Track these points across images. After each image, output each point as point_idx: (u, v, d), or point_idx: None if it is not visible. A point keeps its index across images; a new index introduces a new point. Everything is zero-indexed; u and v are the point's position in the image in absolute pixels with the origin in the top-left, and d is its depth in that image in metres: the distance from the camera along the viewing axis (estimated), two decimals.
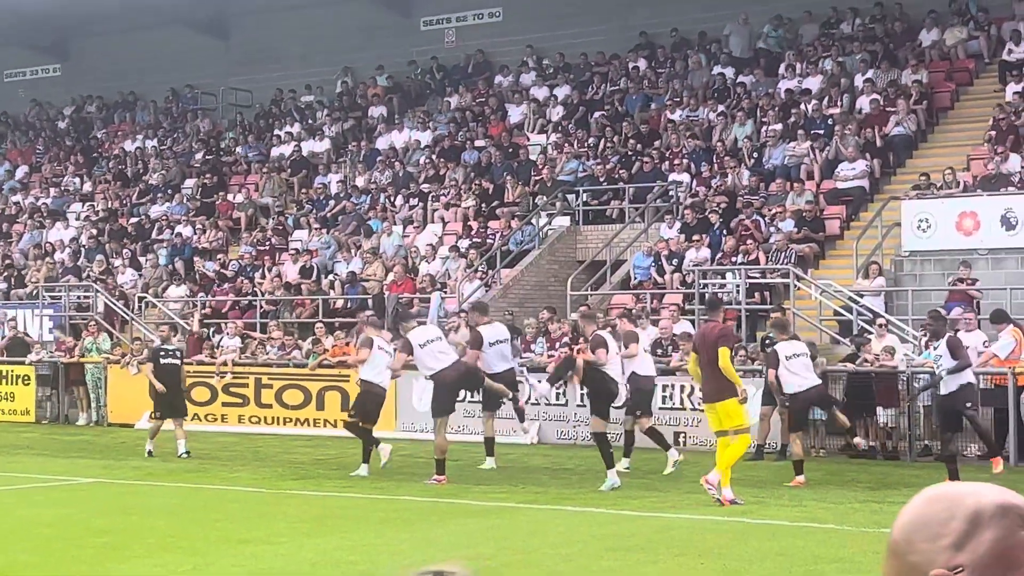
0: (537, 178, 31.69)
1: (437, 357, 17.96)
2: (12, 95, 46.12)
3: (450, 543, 12.69)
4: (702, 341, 15.70)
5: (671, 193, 29.52)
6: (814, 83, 31.22)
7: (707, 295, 19.83)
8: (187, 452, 20.90)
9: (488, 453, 19.61)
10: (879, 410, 20.58)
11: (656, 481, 17.74)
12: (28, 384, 29.21)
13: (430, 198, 32.60)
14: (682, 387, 22.24)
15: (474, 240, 30.10)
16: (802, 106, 30.29)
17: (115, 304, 31.21)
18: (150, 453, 20.95)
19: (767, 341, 20.70)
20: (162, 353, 21.61)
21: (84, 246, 35.42)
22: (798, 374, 17.19)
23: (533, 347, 24.56)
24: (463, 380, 18.52)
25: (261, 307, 30.18)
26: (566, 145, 32.49)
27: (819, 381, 17.77)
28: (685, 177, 29.75)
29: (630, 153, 31.09)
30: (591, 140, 32.32)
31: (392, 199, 33.21)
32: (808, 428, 19.36)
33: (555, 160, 32.03)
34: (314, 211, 33.85)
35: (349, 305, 29.59)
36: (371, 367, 18.78)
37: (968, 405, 16.94)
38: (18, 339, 30.91)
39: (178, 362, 21.71)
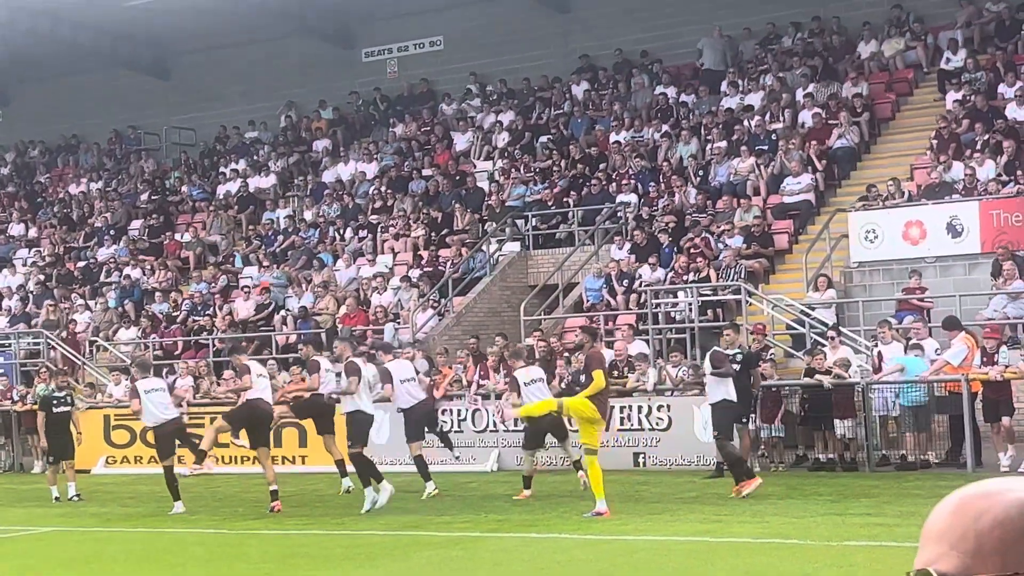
0: (486, 205, 31.73)
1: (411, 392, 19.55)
2: None
3: None
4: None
5: (620, 214, 29.63)
6: (756, 99, 31.44)
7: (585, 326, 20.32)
8: (77, 495, 21.31)
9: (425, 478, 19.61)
10: (836, 422, 20.69)
11: (617, 503, 17.73)
12: None
13: (379, 229, 32.57)
14: (639, 407, 22.28)
15: (425, 269, 30.09)
16: (745, 122, 30.50)
17: (66, 349, 30.96)
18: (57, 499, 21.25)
19: (739, 354, 20.86)
20: (54, 401, 21.89)
21: (32, 292, 35.14)
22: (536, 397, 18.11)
23: (495, 374, 24.50)
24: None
25: (214, 346, 30.02)
26: (513, 171, 32.56)
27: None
28: (633, 198, 29.87)
29: (577, 176, 31.18)
30: (537, 165, 32.40)
31: (341, 232, 33.16)
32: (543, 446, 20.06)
33: (503, 186, 32.10)
34: (263, 247, 33.74)
35: (302, 340, 29.45)
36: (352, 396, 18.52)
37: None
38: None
39: (68, 408, 22.05)
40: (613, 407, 22.38)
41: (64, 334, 32.03)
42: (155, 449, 19.57)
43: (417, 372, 21.17)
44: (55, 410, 21.69)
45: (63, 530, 18.01)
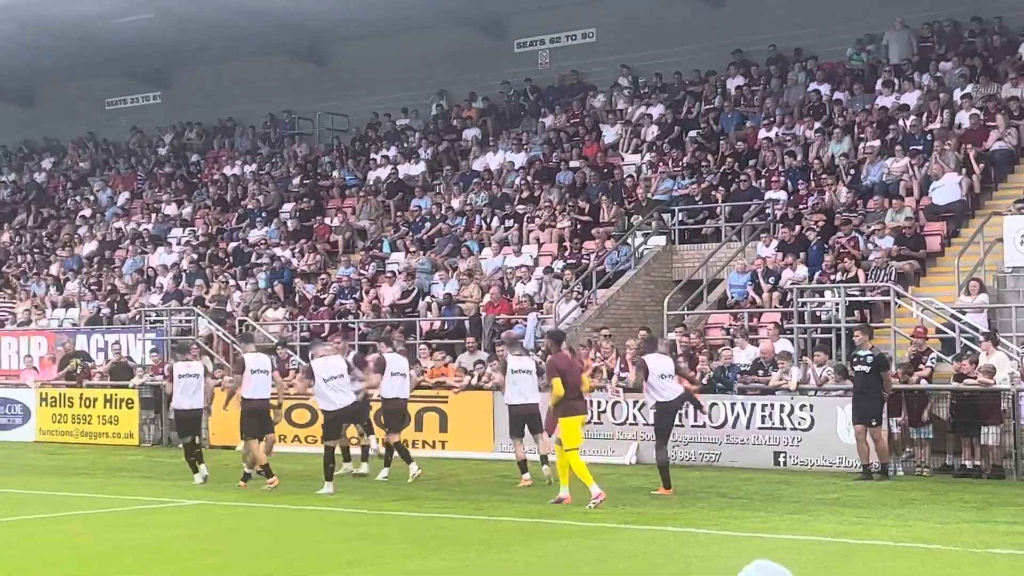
0: (632, 198, 31.66)
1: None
2: (114, 123, 46.96)
3: (550, 565, 12.68)
4: (571, 367, 18.06)
5: (768, 211, 29.34)
6: (912, 98, 30.89)
7: (551, 331, 21.04)
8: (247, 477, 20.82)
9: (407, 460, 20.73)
10: (983, 428, 20.28)
11: (756, 501, 17.61)
12: (132, 408, 29.67)
13: (525, 219, 32.68)
14: (781, 406, 22.08)
15: (569, 261, 30.12)
16: (900, 122, 29.99)
17: (216, 328, 31.60)
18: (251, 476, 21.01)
19: (853, 359, 20.70)
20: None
21: (185, 271, 35.92)
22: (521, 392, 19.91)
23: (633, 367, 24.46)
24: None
25: (359, 329, 30.41)
26: (661, 164, 32.42)
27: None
28: (782, 195, 29.56)
29: (726, 172, 30.95)
30: (686, 159, 32.21)
31: (488, 220, 33.34)
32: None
33: (650, 180, 31.99)
34: (410, 233, 34.07)
35: (446, 326, 29.74)
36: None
37: None
38: (121, 363, 31.43)
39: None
40: (754, 404, 22.30)
41: (218, 313, 32.64)
42: (323, 430, 19.77)
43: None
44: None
45: (207, 504, 18.39)
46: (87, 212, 42.63)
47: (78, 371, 31.46)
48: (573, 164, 34.12)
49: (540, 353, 22.54)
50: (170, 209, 40.75)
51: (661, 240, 30.18)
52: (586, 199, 32.30)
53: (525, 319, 28.17)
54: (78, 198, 43.93)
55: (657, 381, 18.61)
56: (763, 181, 30.19)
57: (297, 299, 33.16)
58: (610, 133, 35.10)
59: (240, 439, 20.72)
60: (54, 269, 39.41)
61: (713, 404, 22.65)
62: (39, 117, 48.48)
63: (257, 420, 20.18)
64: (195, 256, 36.67)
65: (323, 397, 19.24)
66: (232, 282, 34.54)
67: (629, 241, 30.04)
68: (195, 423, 21.41)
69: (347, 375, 19.53)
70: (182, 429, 21.55)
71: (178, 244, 38.32)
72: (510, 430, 20.49)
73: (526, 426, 20.11)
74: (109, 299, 35.98)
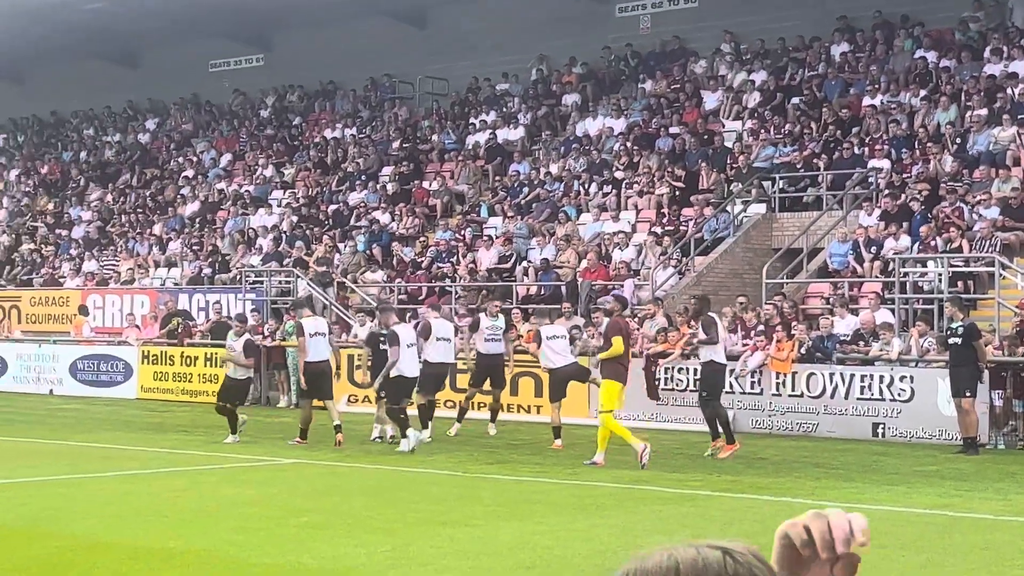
0: (732, 165, 31.39)
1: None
2: (217, 85, 47.40)
3: (645, 530, 12.66)
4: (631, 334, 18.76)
5: (871, 180, 28.95)
6: (1021, 67, 30.26)
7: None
8: (380, 437, 21.02)
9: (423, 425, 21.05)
10: None
11: (853, 472, 17.45)
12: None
13: (624, 185, 32.54)
14: (881, 377, 21.83)
15: (667, 228, 29.96)
16: (1008, 90, 29.41)
17: (315, 288, 31.86)
18: (390, 438, 20.73)
19: (947, 332, 20.48)
20: (380, 339, 21.52)
21: (285, 232, 36.24)
22: (559, 353, 20.41)
23: (732, 336, 24.33)
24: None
25: (456, 293, 30.51)
26: (762, 131, 32.10)
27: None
28: (885, 163, 29.15)
29: (829, 139, 30.57)
30: (788, 126, 31.86)
31: (586, 186, 33.25)
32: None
33: (751, 147, 31.69)
34: (508, 198, 34.07)
35: (543, 292, 29.74)
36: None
37: None
38: (222, 323, 31.79)
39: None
40: (853, 375, 22.08)
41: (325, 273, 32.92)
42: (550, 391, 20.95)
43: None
44: (380, 347, 21.23)
45: (304, 463, 18.58)
46: (190, 173, 43.13)
47: (179, 330, 31.90)
48: (673, 130, 33.88)
49: (639, 319, 22.42)
50: (271, 171, 41.10)
51: (761, 208, 29.91)
52: (685, 166, 32.08)
53: (622, 285, 28.08)
54: (181, 159, 44.45)
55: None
56: (866, 149, 29.78)
57: (395, 262, 33.32)
58: (711, 99, 34.79)
59: (302, 399, 21.21)
60: (157, 229, 39.94)
61: (811, 374, 22.48)
62: (144, 79, 49.07)
63: (319, 382, 20.68)
64: (295, 218, 36.98)
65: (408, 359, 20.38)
66: (331, 244, 34.78)
67: (728, 208, 29.80)
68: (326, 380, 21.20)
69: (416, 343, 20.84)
70: (556, 391, 21.01)
71: (278, 206, 38.66)
72: (552, 395, 20.98)
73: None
74: (210, 259, 36.42)
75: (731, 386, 23.23)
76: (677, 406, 23.44)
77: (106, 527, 12.64)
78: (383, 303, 26.38)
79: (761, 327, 23.80)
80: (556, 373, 20.64)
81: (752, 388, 23.16)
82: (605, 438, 17.92)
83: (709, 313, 19.74)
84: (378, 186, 37.35)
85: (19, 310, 37.63)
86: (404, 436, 19.44)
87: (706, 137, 32.98)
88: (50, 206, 44.75)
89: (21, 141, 51.27)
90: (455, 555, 11.19)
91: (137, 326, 33.48)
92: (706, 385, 19.71)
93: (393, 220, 35.30)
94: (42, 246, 41.74)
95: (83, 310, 35.36)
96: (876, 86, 31.76)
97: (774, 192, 30.01)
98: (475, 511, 13.84)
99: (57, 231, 42.60)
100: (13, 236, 43.19)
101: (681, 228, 29.84)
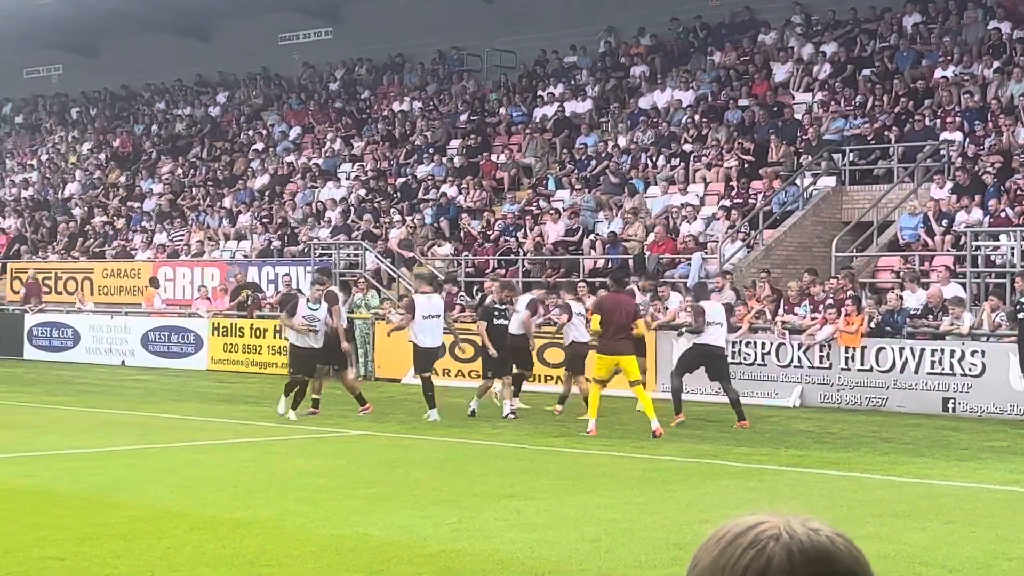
0: (802, 138, 31.13)
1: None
2: (286, 58, 47.59)
3: (710, 504, 12.63)
4: (619, 308, 18.73)
5: (942, 152, 28.62)
6: None
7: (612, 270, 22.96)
8: (512, 413, 20.65)
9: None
10: None
11: (923, 447, 17.31)
12: None
13: (692, 158, 32.37)
14: (951, 352, 21.62)
15: (736, 201, 29.78)
16: None
17: (383, 261, 31.98)
18: (473, 412, 20.73)
19: (1016, 307, 20.26)
20: (495, 312, 21.42)
21: (353, 205, 36.37)
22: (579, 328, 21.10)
23: (797, 310, 24.20)
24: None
25: (523, 266, 30.51)
26: (832, 104, 31.80)
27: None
28: (958, 136, 28.79)
29: (900, 111, 30.24)
30: (859, 98, 31.53)
31: (654, 159, 33.11)
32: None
33: (821, 119, 31.41)
34: (575, 171, 34.00)
35: (610, 265, 29.66)
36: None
37: None
38: (291, 295, 31.95)
39: (507, 322, 21.55)
40: (923, 349, 21.88)
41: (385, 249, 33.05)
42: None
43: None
44: (496, 322, 21.17)
45: (371, 435, 18.69)
46: (259, 146, 43.38)
47: (249, 302, 32.14)
48: (742, 102, 33.64)
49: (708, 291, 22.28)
50: (339, 144, 41.25)
51: (831, 181, 29.67)
52: (754, 138, 31.85)
53: (689, 259, 27.97)
54: (251, 132, 44.70)
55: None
56: (938, 121, 29.43)
57: (462, 235, 33.37)
58: (781, 71, 34.49)
59: (416, 374, 21.33)
60: (227, 202, 40.23)
61: (881, 348, 22.30)
62: (214, 52, 49.36)
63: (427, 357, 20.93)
64: (363, 191, 37.11)
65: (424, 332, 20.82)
66: (398, 217, 34.90)
67: (798, 181, 29.58)
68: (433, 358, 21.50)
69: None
70: (574, 365, 21.60)
71: (347, 179, 38.81)
72: (571, 365, 21.61)
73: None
74: (279, 232, 36.65)
75: (799, 360, 23.12)
76: (744, 380, 23.33)
77: (175, 497, 12.79)
78: (420, 275, 26.37)
79: (830, 301, 23.63)
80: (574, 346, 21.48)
81: (821, 363, 23.02)
82: (594, 407, 18.77)
83: (699, 303, 20.18)
84: (445, 159, 37.40)
85: (92, 282, 38.08)
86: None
87: (775, 109, 32.72)
88: (122, 179, 45.19)
89: (93, 115, 51.78)
90: (520, 527, 11.23)
91: (208, 298, 33.77)
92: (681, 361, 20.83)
93: (460, 193, 35.34)
94: (114, 219, 42.17)
95: (154, 282, 35.71)
96: (949, 57, 31.36)
97: (844, 165, 29.75)
98: (541, 484, 13.87)
99: (129, 204, 43.02)
100: (86, 209, 43.67)
101: (750, 201, 29.65)
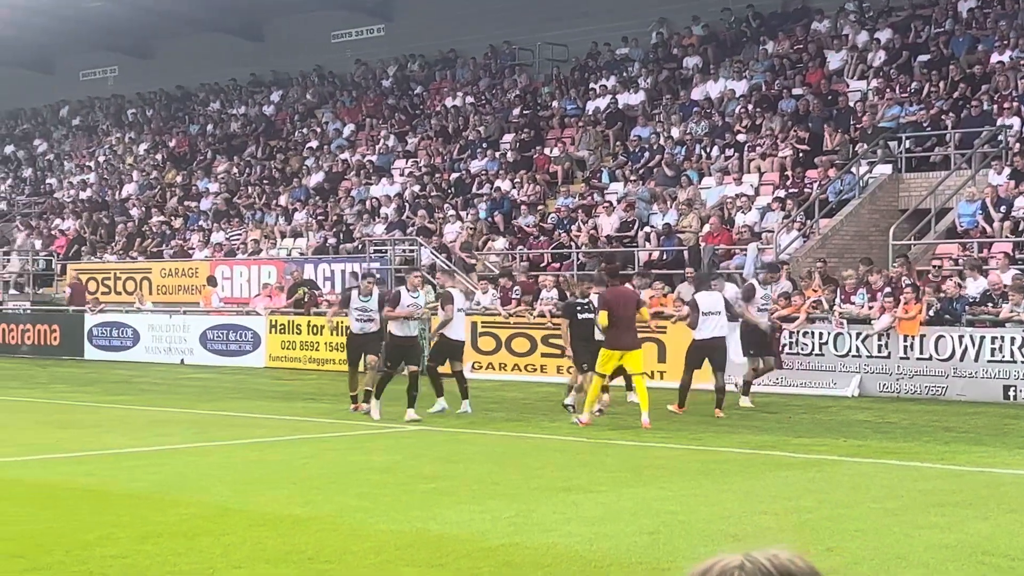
0: (857, 126, 30.91)
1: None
2: (339, 56, 47.77)
3: (769, 496, 12.57)
4: (624, 301, 18.98)
5: (1000, 138, 28.34)
6: None
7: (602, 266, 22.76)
8: (572, 407, 20.22)
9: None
10: None
11: (984, 436, 17.15)
12: None
13: (746, 148, 32.22)
14: (1011, 339, 21.42)
15: (791, 190, 29.61)
16: None
17: (438, 257, 32.04)
18: (572, 408, 20.24)
19: None
20: (579, 308, 20.94)
21: (407, 202, 36.46)
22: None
23: (853, 298, 24.04)
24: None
25: (578, 259, 30.49)
26: (888, 91, 31.55)
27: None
28: (1016, 121, 28.50)
29: (956, 97, 29.95)
30: (914, 85, 31.27)
31: (708, 150, 32.98)
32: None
33: (876, 106, 31.17)
34: (629, 163, 33.92)
35: (665, 257, 29.59)
36: None
37: None
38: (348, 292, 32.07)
39: (592, 315, 21.34)
40: (983, 337, 21.69)
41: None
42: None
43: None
44: (580, 317, 20.68)
45: (430, 429, 18.72)
46: (313, 144, 43.57)
47: (305, 299, 32.28)
48: (796, 91, 33.45)
49: (760, 281, 22.18)
50: (393, 141, 41.36)
51: (887, 168, 29.45)
52: (808, 127, 31.66)
53: (745, 249, 27.84)
54: (305, 130, 44.92)
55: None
56: (995, 107, 29.14)
57: (516, 229, 33.37)
58: (835, 59, 34.26)
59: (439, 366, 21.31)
60: (282, 200, 40.43)
61: (940, 336, 22.12)
62: (267, 51, 49.64)
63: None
64: (417, 187, 37.18)
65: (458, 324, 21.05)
66: (452, 212, 34.95)
67: (853, 170, 29.38)
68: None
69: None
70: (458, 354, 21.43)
71: (401, 175, 38.91)
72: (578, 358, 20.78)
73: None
74: (335, 229, 36.79)
75: (858, 350, 22.97)
76: (802, 370, 23.22)
77: (235, 494, 12.87)
78: (444, 270, 26.42)
79: (888, 289, 23.46)
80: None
81: (879, 352, 22.86)
82: (593, 396, 19.01)
83: (695, 295, 20.38)
84: (499, 154, 37.41)
85: (150, 281, 38.39)
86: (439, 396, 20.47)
87: (830, 98, 32.51)
88: (178, 179, 45.51)
89: (149, 115, 52.18)
90: (579, 521, 11.22)
91: (269, 296, 33.94)
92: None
93: (514, 187, 35.34)
94: (171, 218, 42.49)
95: (212, 281, 35.94)
96: (1005, 42, 31.05)
97: (900, 152, 29.52)
98: (599, 477, 13.85)
99: (185, 203, 43.33)
100: (143, 209, 44.01)
101: (805, 191, 29.48)
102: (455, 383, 20.75)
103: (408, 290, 20.89)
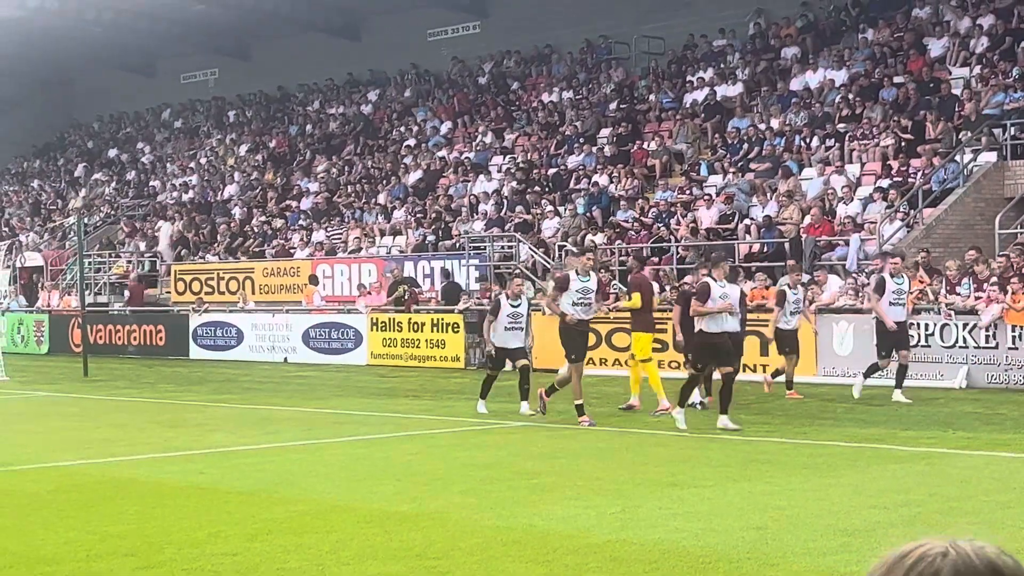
0: (960, 113, 30.44)
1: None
2: (435, 54, 47.96)
3: (878, 489, 12.42)
4: (649, 287, 20.29)
5: None
6: None
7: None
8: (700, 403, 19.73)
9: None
10: None
11: None
12: (458, 331, 30.42)
13: (847, 138, 31.87)
14: None
15: (894, 180, 29.24)
16: None
17: (536, 253, 32.05)
18: (703, 405, 19.80)
19: None
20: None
21: (506, 198, 36.51)
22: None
23: (959, 289, 23.68)
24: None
25: (677, 253, 30.34)
26: (991, 77, 31.04)
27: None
28: None
29: None
30: (1017, 71, 30.73)
31: (808, 140, 32.66)
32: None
33: (979, 94, 30.68)
34: (728, 155, 33.70)
35: (766, 249, 29.35)
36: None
37: None
38: (452, 285, 32.21)
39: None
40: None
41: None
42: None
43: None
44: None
45: (532, 426, 18.74)
46: (411, 142, 43.78)
47: (406, 297, 32.46)
48: (897, 80, 33.01)
49: (867, 273, 21.96)
50: (490, 137, 41.43)
51: (992, 156, 28.98)
52: (910, 116, 31.23)
53: (847, 241, 27.54)
54: (402, 128, 45.16)
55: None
56: None
57: (615, 224, 33.28)
58: (936, 46, 33.76)
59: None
60: (381, 198, 40.68)
61: None
62: (364, 50, 49.96)
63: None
64: (515, 183, 37.23)
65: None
66: (550, 207, 34.94)
67: (957, 158, 28.94)
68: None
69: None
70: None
71: (498, 172, 38.97)
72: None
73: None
74: (434, 226, 36.95)
75: (965, 341, 22.63)
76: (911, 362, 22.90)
77: (341, 491, 12.97)
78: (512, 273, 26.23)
79: (995, 279, 23.08)
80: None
81: (987, 342, 22.50)
82: (657, 384, 19.35)
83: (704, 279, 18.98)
84: (596, 148, 37.34)
85: (253, 281, 38.81)
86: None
87: (931, 85, 32.05)
88: (279, 179, 45.96)
89: (249, 116, 52.76)
90: (684, 516, 11.16)
91: (370, 293, 34.18)
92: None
93: (612, 182, 35.25)
94: (272, 218, 42.93)
95: (313, 279, 36.27)
96: None
97: (1005, 139, 29.04)
98: (704, 472, 13.77)
99: (286, 203, 43.75)
100: (245, 210, 44.51)
101: (908, 180, 29.09)
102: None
103: (580, 274, 19.16)
